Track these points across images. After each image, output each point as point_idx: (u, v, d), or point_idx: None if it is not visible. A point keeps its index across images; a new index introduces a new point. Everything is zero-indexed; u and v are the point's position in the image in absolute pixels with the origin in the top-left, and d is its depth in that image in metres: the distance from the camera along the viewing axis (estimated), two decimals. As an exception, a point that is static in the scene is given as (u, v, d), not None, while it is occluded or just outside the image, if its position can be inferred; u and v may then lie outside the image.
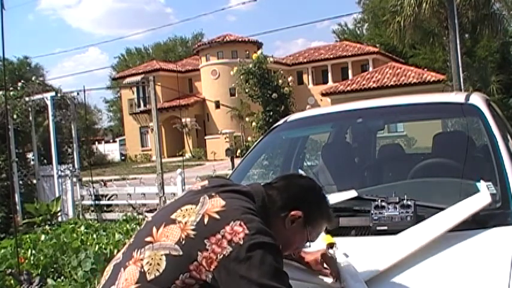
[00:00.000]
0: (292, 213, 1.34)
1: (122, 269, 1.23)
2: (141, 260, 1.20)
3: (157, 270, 1.17)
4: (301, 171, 2.44)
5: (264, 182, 1.47)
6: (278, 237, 1.26)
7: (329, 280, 1.48)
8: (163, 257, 1.18)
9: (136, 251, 1.24)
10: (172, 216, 1.26)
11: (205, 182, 1.41)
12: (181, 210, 1.27)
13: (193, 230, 1.20)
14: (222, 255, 1.15)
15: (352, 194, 1.89)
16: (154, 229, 1.25)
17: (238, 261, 1.15)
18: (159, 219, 1.29)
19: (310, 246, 1.46)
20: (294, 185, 1.43)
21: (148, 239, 1.24)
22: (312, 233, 1.40)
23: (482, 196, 1.65)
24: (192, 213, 1.25)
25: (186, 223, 1.22)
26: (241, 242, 1.16)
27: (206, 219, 1.22)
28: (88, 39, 71.27)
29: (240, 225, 1.18)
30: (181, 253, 1.18)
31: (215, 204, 1.25)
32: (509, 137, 2.28)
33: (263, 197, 1.35)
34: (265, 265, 1.15)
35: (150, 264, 1.18)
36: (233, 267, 1.15)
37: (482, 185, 1.72)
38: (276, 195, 1.38)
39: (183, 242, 1.19)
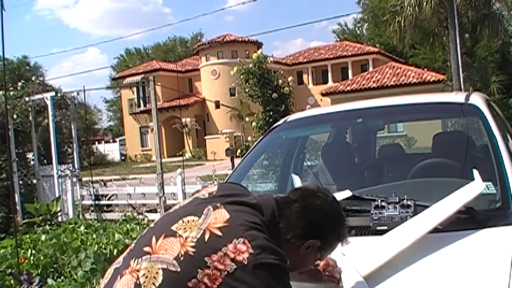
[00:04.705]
0: (310, 241, 1.29)
1: (119, 276, 1.21)
2: (138, 271, 1.17)
3: (153, 284, 1.13)
4: (294, 176, 2.42)
5: (277, 195, 1.38)
6: (288, 258, 1.22)
7: (330, 285, 1.48)
8: (160, 271, 1.14)
9: (133, 259, 1.20)
10: (173, 228, 1.22)
11: (214, 189, 1.36)
12: (183, 222, 1.22)
13: (193, 247, 1.16)
14: (226, 272, 1.12)
15: (346, 194, 1.89)
16: (153, 239, 1.22)
17: (243, 282, 1.12)
18: (160, 228, 1.26)
19: (318, 264, 1.45)
20: (314, 209, 1.31)
21: (147, 249, 1.21)
22: (324, 255, 1.37)
23: (476, 184, 1.66)
24: (193, 226, 1.20)
25: (186, 238, 1.18)
26: (246, 262, 1.12)
27: (207, 236, 1.17)
28: (86, 39, 71.30)
29: (244, 243, 1.14)
30: (179, 269, 1.14)
31: (219, 217, 1.20)
32: (509, 137, 2.28)
33: (273, 211, 1.28)
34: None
35: (146, 277, 1.15)
36: (237, 286, 1.12)
37: (475, 173, 1.73)
38: (294, 219, 1.29)
39: (182, 259, 1.15)
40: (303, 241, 1.28)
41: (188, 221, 1.22)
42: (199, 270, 1.12)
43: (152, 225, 1.34)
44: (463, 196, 1.62)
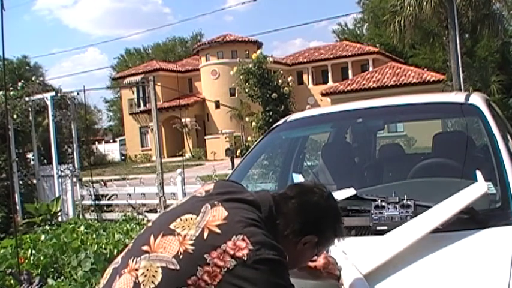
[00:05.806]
0: (307, 237, 1.29)
1: (117, 276, 1.21)
2: (136, 270, 1.17)
3: (153, 282, 1.13)
4: (295, 175, 2.42)
5: (274, 192, 1.40)
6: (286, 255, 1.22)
7: (330, 282, 1.48)
8: (160, 270, 1.15)
9: (132, 259, 1.20)
10: (171, 226, 1.22)
11: (211, 187, 1.36)
12: (181, 220, 1.22)
13: (192, 245, 1.16)
14: (226, 269, 1.12)
15: (351, 192, 1.89)
16: (152, 238, 1.21)
17: (243, 278, 1.12)
18: (158, 227, 1.26)
19: (316, 260, 1.46)
20: (312, 206, 1.31)
21: (145, 248, 1.20)
22: (321, 250, 1.38)
23: (479, 186, 1.66)
24: (192, 224, 1.20)
25: (185, 236, 1.18)
26: (245, 258, 1.12)
27: (206, 234, 1.17)
28: (85, 39, 71.04)
29: (243, 239, 1.14)
30: (178, 268, 1.14)
31: (217, 215, 1.21)
32: (509, 137, 2.28)
33: (270, 207, 1.29)
34: (271, 284, 1.13)
35: (145, 276, 1.15)
36: (237, 283, 1.12)
37: (478, 175, 1.73)
38: (291, 215, 1.29)
39: (181, 257, 1.15)
40: (300, 237, 1.29)
41: (186, 219, 1.22)
42: (198, 267, 1.13)
43: (150, 224, 1.34)
44: (466, 197, 1.62)
